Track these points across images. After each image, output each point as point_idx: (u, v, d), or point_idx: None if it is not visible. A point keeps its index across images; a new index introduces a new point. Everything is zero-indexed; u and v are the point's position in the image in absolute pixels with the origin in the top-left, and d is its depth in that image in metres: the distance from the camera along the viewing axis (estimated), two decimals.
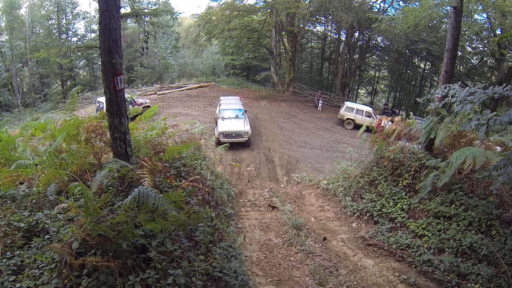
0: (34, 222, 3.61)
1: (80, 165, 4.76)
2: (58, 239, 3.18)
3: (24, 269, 2.99)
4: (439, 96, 7.03)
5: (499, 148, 6.93)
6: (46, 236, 3.34)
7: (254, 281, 4.59)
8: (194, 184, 4.80)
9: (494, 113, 4.39)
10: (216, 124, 16.46)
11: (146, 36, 5.30)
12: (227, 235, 4.82)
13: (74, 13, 37.65)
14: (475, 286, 4.80)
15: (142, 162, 4.24)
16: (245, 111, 18.59)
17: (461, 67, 32.17)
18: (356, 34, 34.02)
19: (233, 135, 15.48)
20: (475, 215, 5.71)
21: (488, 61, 30.92)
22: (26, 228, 3.52)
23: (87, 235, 2.98)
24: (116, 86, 3.82)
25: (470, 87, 4.80)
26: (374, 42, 36.89)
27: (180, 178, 4.97)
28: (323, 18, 34.89)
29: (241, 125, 16.26)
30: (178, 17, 40.02)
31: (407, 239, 6.02)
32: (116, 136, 4.12)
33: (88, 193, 2.96)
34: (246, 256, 5.37)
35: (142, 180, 3.71)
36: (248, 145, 16.06)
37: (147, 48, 5.71)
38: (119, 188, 4.27)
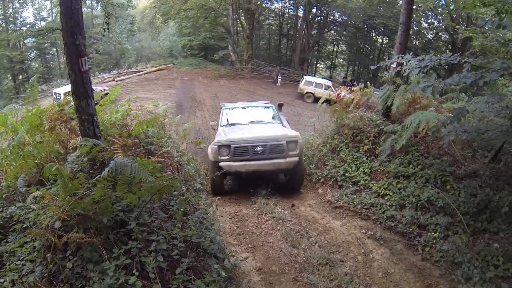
0: (8, 216, 3.55)
1: (48, 153, 4.71)
2: (37, 226, 3.19)
3: (5, 264, 2.97)
4: (394, 66, 7.45)
5: (451, 114, 7.48)
6: (22, 227, 3.33)
7: (230, 250, 4.81)
8: (163, 160, 4.90)
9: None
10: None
11: (107, 17, 5.23)
12: (199, 207, 4.97)
13: (21, 1, 35.07)
14: (435, 234, 5.30)
15: (114, 139, 4.28)
16: (280, 105, 10.70)
17: (417, 41, 33.75)
18: (314, 10, 34.37)
19: (258, 149, 7.16)
20: (431, 173, 6.21)
21: (443, 36, 32.39)
22: (0, 224, 3.47)
23: (67, 215, 3.03)
24: (81, 67, 3.79)
25: (421, 56, 5.14)
26: (332, 17, 37.46)
27: (148, 155, 5.04)
28: None
29: (278, 129, 8.02)
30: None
31: (370, 199, 6.46)
32: (84, 118, 4.11)
33: (64, 172, 3.01)
34: (219, 227, 5.57)
35: (115, 156, 3.77)
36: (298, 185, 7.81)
37: (108, 29, 5.61)
38: (90, 171, 4.29)
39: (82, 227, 3.08)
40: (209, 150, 7.46)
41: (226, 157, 7.18)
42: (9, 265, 2.92)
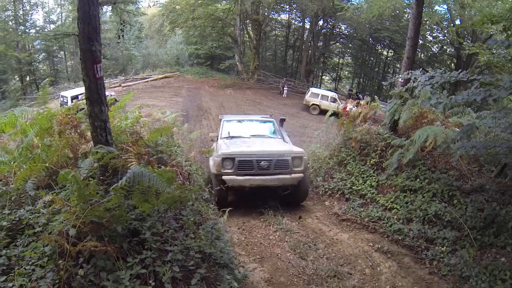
0: (17, 219, 3.51)
1: (59, 157, 4.74)
2: (49, 231, 3.18)
3: (14, 268, 2.92)
4: (402, 80, 7.50)
5: (457, 129, 7.48)
6: (33, 231, 3.31)
7: (238, 260, 4.80)
8: (175, 169, 4.92)
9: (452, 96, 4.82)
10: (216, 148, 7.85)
11: (122, 24, 5.30)
12: (208, 217, 4.99)
13: (31, 3, 35.38)
14: (442, 248, 5.32)
15: (127, 147, 4.31)
16: (282, 120, 10.12)
17: (422, 55, 33.96)
18: (321, 22, 34.72)
19: (263, 163, 7.02)
20: (438, 187, 6.23)
21: (448, 49, 32.59)
22: (8, 227, 3.40)
23: (81, 222, 3.03)
24: (96, 74, 3.81)
25: (430, 72, 5.19)
26: (338, 30, 37.78)
27: (159, 165, 5.06)
28: (287, 6, 35.29)
29: (283, 144, 7.98)
30: (141, 7, 39.14)
31: (378, 213, 6.48)
32: (97, 124, 4.12)
33: (79, 179, 3.03)
34: (227, 238, 5.56)
35: (130, 164, 3.79)
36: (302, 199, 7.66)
37: (123, 36, 5.70)
38: (101, 177, 4.30)
39: (95, 235, 3.08)
40: (211, 162, 7.25)
41: (230, 171, 6.93)
42: (18, 269, 2.88)
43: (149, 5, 33.80)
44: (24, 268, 2.91)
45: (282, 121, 9.92)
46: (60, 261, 2.85)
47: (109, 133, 4.32)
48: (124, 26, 5.37)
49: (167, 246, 3.18)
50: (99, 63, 3.95)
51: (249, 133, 8.44)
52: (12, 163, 4.91)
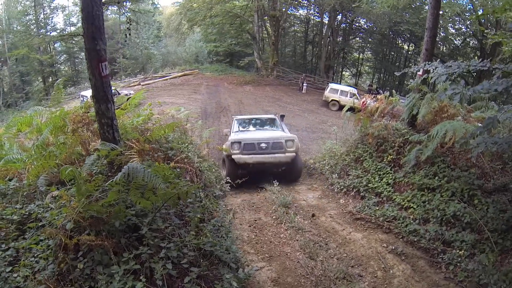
0: (27, 213, 3.61)
1: (69, 154, 4.78)
2: (52, 225, 3.21)
3: (20, 259, 3.02)
4: (420, 73, 7.20)
5: (480, 124, 7.13)
6: (40, 224, 3.37)
7: (246, 259, 4.72)
8: (182, 165, 4.87)
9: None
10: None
11: (128, 22, 5.32)
12: (217, 214, 4.92)
13: (52, 7, 36.64)
14: (460, 252, 4.98)
15: (131, 144, 4.30)
16: (282, 115, 12.49)
17: (444, 48, 32.82)
18: (339, 17, 34.19)
19: (263, 145, 8.97)
20: (458, 186, 5.87)
21: (471, 41, 31.43)
22: (19, 220, 3.52)
23: (80, 217, 3.03)
24: (101, 72, 3.86)
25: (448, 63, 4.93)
26: (357, 24, 37.11)
27: (168, 161, 5.03)
28: (305, 2, 34.89)
29: (279, 132, 10.02)
30: (159, 6, 39.48)
31: (393, 212, 6.21)
32: (104, 122, 4.16)
33: (79, 174, 3.01)
34: (237, 235, 5.49)
35: (131, 161, 3.77)
36: (297, 177, 9.42)
37: (130, 34, 5.74)
38: (109, 174, 4.31)
39: (94, 230, 3.08)
40: (224, 146, 9.33)
41: (237, 151, 8.89)
42: (23, 261, 2.98)
43: (153, 2, 33.93)
44: (29, 259, 3.00)
45: (282, 116, 12.38)
46: (60, 254, 2.89)
47: (116, 130, 4.33)
48: (130, 25, 5.38)
49: (164, 242, 3.13)
50: (105, 62, 3.97)
51: (255, 128, 10.94)
52: (26, 160, 5.00)
